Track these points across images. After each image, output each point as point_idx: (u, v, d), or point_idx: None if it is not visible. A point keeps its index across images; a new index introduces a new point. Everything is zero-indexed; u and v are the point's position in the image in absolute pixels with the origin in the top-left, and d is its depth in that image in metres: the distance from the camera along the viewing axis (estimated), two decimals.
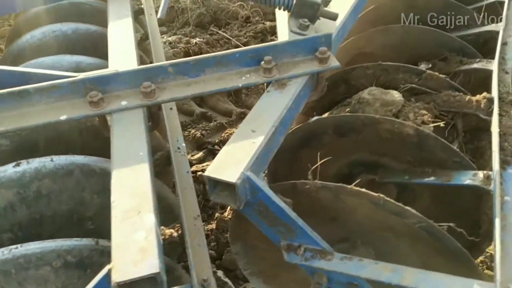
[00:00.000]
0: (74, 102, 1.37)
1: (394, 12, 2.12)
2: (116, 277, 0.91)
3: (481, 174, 1.24)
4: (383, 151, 1.50)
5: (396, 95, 1.45)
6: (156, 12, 2.02)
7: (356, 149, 1.56)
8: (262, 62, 1.43)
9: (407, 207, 1.15)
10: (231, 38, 3.85)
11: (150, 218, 1.03)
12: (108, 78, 1.37)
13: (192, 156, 2.97)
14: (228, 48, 3.87)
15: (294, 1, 1.55)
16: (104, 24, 2.03)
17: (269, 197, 1.16)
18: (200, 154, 2.98)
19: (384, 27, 1.92)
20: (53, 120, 1.33)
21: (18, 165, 1.34)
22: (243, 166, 1.13)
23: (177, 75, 1.43)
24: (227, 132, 3.12)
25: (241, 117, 3.28)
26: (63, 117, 1.33)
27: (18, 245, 1.12)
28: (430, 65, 1.87)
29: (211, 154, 3.00)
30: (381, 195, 1.15)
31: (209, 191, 1.18)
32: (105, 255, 1.18)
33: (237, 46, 3.82)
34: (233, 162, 1.15)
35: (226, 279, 2.08)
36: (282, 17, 1.69)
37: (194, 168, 2.81)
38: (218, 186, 1.17)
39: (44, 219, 1.38)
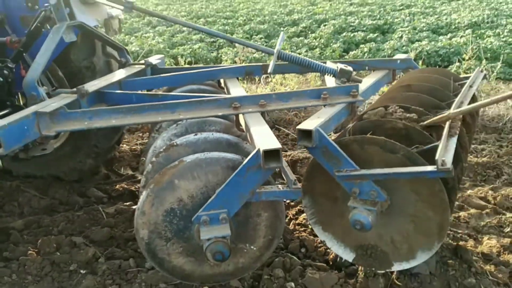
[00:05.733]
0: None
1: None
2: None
3: None
4: None
5: None
6: None
7: None
8: (322, 95, 2.71)
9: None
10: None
11: None
12: None
13: None
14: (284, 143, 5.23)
15: (338, 70, 2.90)
16: None
17: (329, 141, 2.29)
18: None
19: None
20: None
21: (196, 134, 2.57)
22: (316, 124, 2.31)
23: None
24: None
25: None
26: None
27: None
28: None
29: None
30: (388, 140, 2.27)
31: (298, 139, 2.33)
32: None
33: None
34: (312, 123, 2.33)
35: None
36: (328, 78, 3.04)
37: None
38: (303, 135, 2.32)
39: None
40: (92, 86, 2.92)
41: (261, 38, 10.96)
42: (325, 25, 12.11)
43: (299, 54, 9.19)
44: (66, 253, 3.10)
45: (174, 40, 10.74)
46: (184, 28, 12.13)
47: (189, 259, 2.37)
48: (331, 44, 9.87)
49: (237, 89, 3.23)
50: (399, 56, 3.86)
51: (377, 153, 2.33)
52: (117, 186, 4.26)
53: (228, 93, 3.29)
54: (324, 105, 2.71)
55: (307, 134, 2.29)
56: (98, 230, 3.37)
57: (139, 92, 2.92)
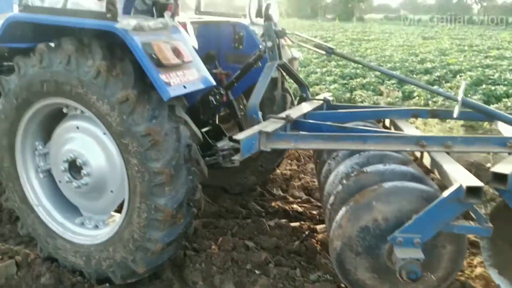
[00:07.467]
0: None
1: None
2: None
3: None
4: None
5: None
6: None
7: None
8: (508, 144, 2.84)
9: None
10: None
11: None
12: None
13: None
14: None
15: None
16: None
17: None
18: None
19: None
20: None
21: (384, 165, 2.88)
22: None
23: None
24: None
25: None
26: None
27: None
28: None
29: None
30: None
31: (491, 181, 2.50)
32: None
33: None
34: (507, 167, 2.48)
35: None
36: (503, 128, 3.14)
37: None
38: (496, 177, 2.47)
39: None
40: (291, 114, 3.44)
41: (393, 84, 11.11)
42: (461, 76, 11.82)
43: (435, 102, 9.16)
44: (242, 253, 3.57)
45: (309, 80, 11.41)
46: (318, 69, 12.82)
47: (372, 275, 2.64)
48: (470, 96, 9.62)
49: (411, 129, 3.50)
50: None
51: None
52: (272, 204, 4.74)
53: None
54: (509, 153, 2.83)
55: (501, 177, 2.46)
56: (266, 238, 3.82)
57: (327, 123, 3.34)
